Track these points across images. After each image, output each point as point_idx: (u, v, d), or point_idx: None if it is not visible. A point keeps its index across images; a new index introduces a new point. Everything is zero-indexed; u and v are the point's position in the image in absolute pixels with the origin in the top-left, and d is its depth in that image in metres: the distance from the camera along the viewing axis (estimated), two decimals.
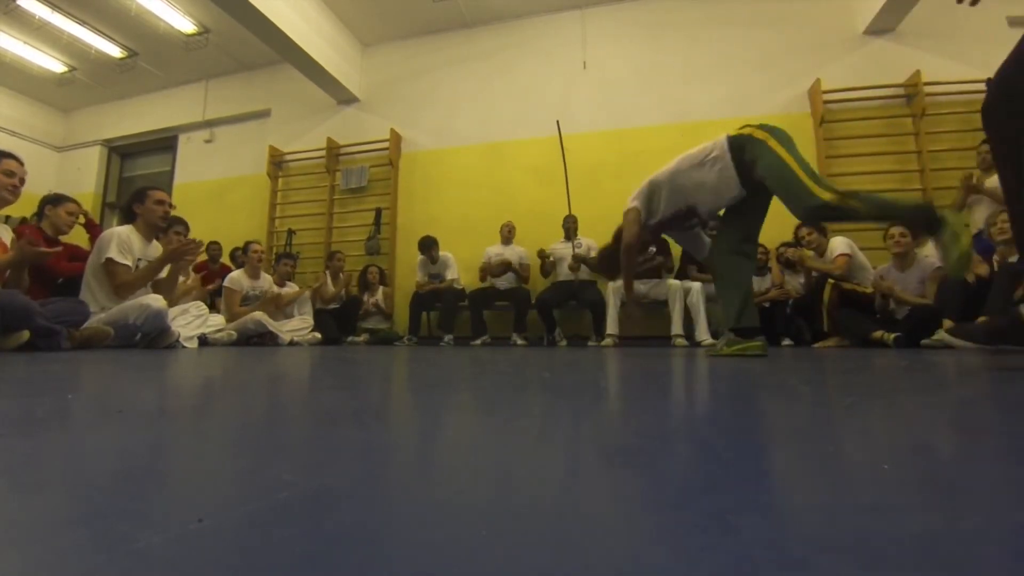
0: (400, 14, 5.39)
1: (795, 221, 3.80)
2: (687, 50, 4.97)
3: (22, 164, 2.51)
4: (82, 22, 5.36)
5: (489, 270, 4.53)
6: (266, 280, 4.11)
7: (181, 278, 3.34)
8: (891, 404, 0.75)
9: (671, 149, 5.19)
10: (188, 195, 6.44)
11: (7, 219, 2.96)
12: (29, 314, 2.10)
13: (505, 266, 4.52)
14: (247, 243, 4.12)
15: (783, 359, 1.94)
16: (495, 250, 4.69)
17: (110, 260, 2.60)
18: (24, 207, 3.06)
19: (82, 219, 3.15)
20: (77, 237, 3.26)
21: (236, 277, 3.92)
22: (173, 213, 3.05)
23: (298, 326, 4.09)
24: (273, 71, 6.09)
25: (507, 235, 4.74)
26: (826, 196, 1.73)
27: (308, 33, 4.93)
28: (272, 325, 3.75)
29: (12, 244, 2.43)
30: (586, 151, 4.83)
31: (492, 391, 0.89)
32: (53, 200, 2.91)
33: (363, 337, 4.63)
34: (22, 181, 2.50)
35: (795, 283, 3.86)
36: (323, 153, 5.71)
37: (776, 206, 4.63)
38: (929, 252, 3.36)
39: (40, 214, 2.91)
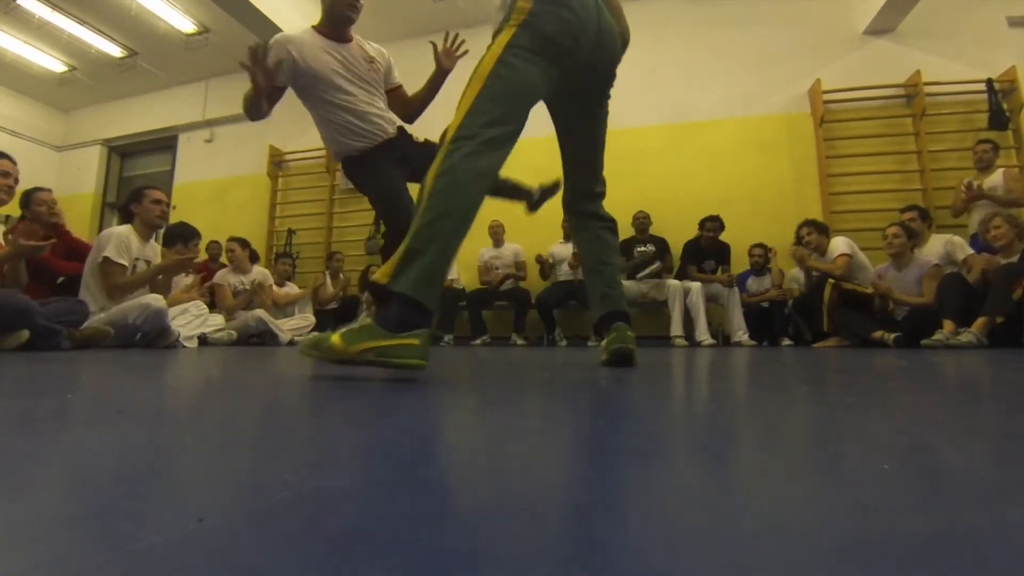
0: (400, 14, 5.39)
1: (796, 222, 3.81)
2: (687, 50, 4.97)
3: (15, 164, 2.51)
4: (82, 22, 5.35)
5: (493, 284, 4.51)
6: (258, 273, 4.12)
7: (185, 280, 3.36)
8: (891, 404, 0.75)
9: (671, 149, 5.19)
10: (188, 195, 6.44)
11: (7, 218, 2.95)
12: (29, 314, 2.10)
13: (506, 276, 4.52)
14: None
15: (783, 359, 1.94)
16: (489, 253, 4.68)
17: (107, 259, 2.60)
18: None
19: (58, 216, 2.93)
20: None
21: (222, 274, 4.02)
22: (176, 215, 3.05)
23: (299, 324, 4.10)
24: None
25: (496, 235, 4.67)
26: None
27: None
28: (273, 323, 3.76)
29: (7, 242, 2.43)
30: None
31: (492, 391, 0.89)
32: (24, 201, 2.85)
33: None
34: (16, 180, 2.50)
35: (799, 279, 3.81)
36: (323, 153, 5.70)
37: (780, 206, 4.56)
38: (928, 251, 3.36)
39: (25, 216, 2.88)
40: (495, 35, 1.21)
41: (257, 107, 1.83)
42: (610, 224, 1.53)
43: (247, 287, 3.95)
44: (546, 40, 1.17)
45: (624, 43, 1.37)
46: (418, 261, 0.99)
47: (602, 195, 1.53)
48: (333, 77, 1.92)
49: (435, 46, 2.03)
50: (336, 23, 1.93)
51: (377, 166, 1.94)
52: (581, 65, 1.26)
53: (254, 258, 4.41)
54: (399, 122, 2.06)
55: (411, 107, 2.16)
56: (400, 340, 0.96)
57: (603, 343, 1.46)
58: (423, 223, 1.01)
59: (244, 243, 4.16)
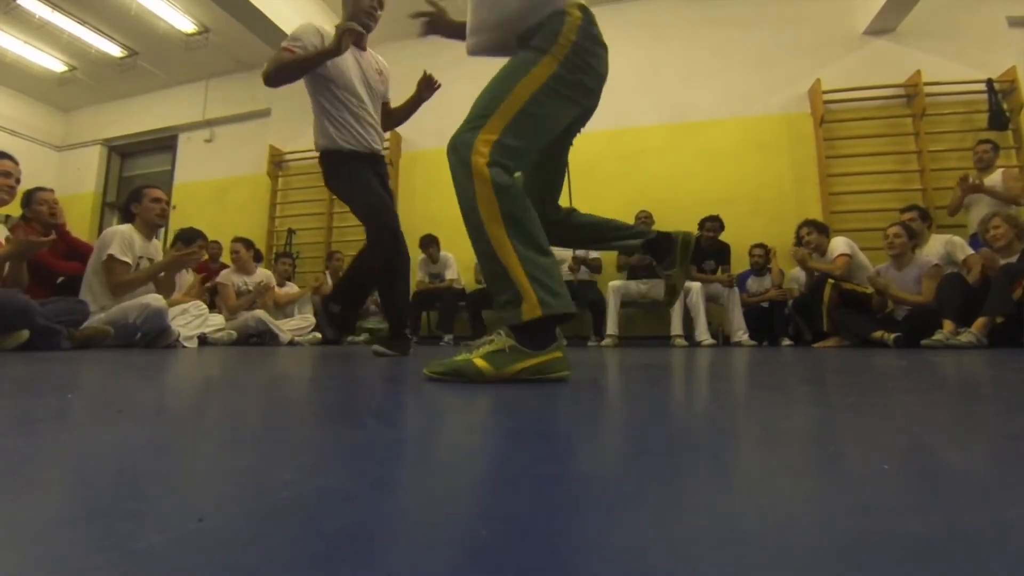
0: (400, 14, 5.37)
1: (796, 222, 3.81)
2: (687, 50, 4.97)
3: (17, 164, 2.51)
4: (82, 21, 5.35)
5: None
6: (263, 275, 4.12)
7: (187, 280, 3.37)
8: (891, 404, 0.75)
9: (671, 149, 5.19)
10: (188, 195, 6.44)
11: (7, 218, 2.94)
12: (29, 313, 2.10)
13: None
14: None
15: (783, 359, 1.94)
16: None
17: (111, 257, 2.60)
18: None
19: (59, 215, 2.95)
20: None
21: (226, 274, 4.02)
22: (176, 215, 3.06)
23: (299, 324, 4.10)
24: None
25: None
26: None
27: None
28: (273, 323, 3.76)
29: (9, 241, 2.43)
30: (586, 150, 4.81)
31: (492, 391, 0.89)
32: (26, 200, 2.86)
33: (363, 337, 4.63)
34: (18, 180, 2.50)
35: (799, 279, 3.80)
36: None
37: (780, 206, 4.54)
38: (928, 251, 3.36)
39: (25, 216, 2.87)
40: (526, 46, 1.17)
41: (300, 72, 1.95)
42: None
43: (251, 288, 3.95)
44: (581, 83, 1.17)
45: None
46: (543, 281, 1.02)
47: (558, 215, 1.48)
48: (352, 81, 2.07)
49: (425, 74, 2.21)
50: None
51: (358, 167, 2.07)
52: (591, 106, 1.28)
53: (258, 259, 4.41)
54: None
55: (391, 121, 2.37)
56: (549, 356, 1.01)
57: (674, 260, 1.44)
58: (525, 250, 1.03)
59: (249, 244, 4.16)
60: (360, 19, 2.05)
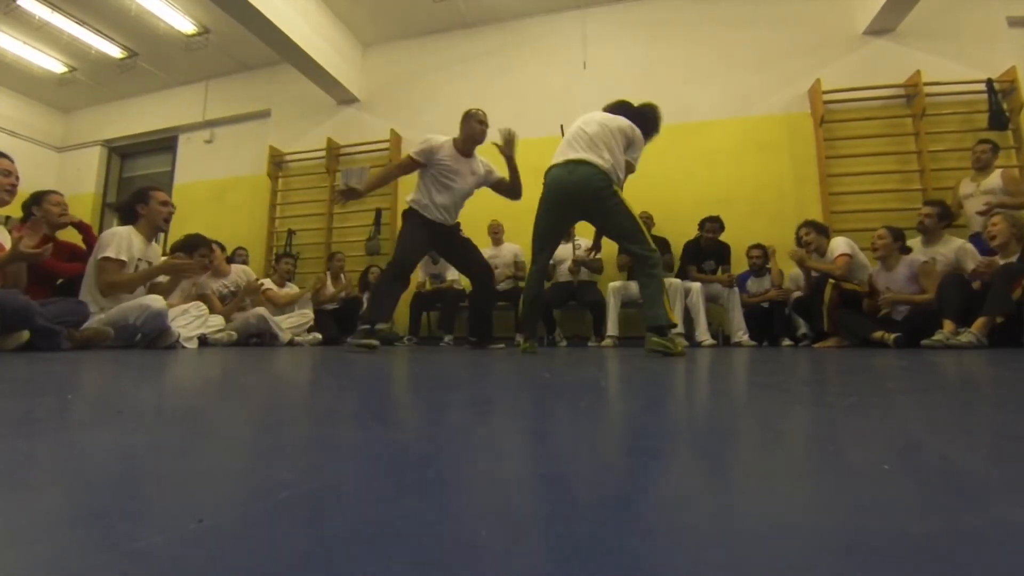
0: (400, 14, 5.39)
1: (796, 222, 3.81)
2: (687, 50, 4.97)
3: (13, 162, 2.50)
4: (82, 22, 5.36)
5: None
6: (239, 272, 4.06)
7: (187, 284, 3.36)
8: (891, 404, 0.75)
9: (671, 149, 5.18)
10: (188, 195, 6.43)
11: (7, 219, 2.94)
12: (29, 314, 2.10)
13: (504, 277, 4.52)
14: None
15: (783, 359, 1.94)
16: (489, 253, 4.68)
17: (105, 258, 2.59)
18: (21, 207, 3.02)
19: (67, 217, 2.98)
20: (70, 238, 3.20)
21: (202, 282, 3.85)
22: (176, 215, 3.04)
23: (297, 321, 4.08)
24: (273, 71, 6.08)
25: (496, 235, 4.66)
26: None
27: (308, 33, 4.92)
28: (272, 322, 3.75)
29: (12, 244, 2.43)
30: None
31: (493, 391, 0.89)
32: (36, 200, 2.86)
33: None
34: (17, 179, 2.50)
35: (798, 280, 3.80)
36: (323, 153, 5.70)
37: (780, 207, 4.53)
38: (940, 251, 3.30)
39: (28, 216, 2.85)
40: None
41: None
42: (653, 261, 2.31)
43: (232, 289, 3.91)
44: (545, 202, 2.46)
45: (592, 177, 2.35)
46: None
47: (642, 255, 2.30)
48: (451, 178, 2.84)
49: (504, 136, 2.85)
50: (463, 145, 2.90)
51: (417, 226, 2.79)
52: (570, 202, 2.38)
53: (231, 260, 4.32)
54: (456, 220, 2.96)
55: (507, 192, 3.03)
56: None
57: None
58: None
59: (220, 246, 4.08)
60: (473, 138, 2.88)
